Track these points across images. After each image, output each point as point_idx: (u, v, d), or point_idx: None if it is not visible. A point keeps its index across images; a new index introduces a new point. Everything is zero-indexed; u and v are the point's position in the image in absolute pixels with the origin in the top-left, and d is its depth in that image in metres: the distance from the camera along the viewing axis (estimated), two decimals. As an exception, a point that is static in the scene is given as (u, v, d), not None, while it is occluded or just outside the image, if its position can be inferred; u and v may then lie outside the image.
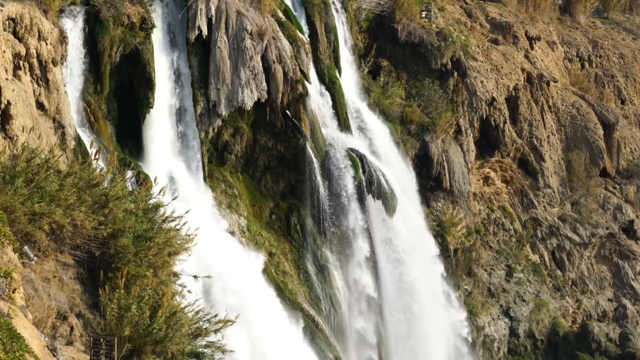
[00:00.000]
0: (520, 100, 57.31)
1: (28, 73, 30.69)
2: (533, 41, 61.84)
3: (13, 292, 17.39)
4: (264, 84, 39.70)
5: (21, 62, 30.32)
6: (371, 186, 43.23)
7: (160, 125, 37.70)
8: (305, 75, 41.75)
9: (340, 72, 46.24)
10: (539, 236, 56.99)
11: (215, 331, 21.75)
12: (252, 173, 41.70)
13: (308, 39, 43.98)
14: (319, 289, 41.45)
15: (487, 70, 55.51)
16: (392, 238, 44.55)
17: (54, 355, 17.74)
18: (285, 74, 40.42)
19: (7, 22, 29.86)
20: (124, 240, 21.78)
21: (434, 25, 52.80)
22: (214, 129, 39.40)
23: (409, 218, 45.88)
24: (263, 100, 39.95)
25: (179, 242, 23.63)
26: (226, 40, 39.17)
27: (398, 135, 48.25)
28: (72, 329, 20.12)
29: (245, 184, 41.39)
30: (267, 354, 34.04)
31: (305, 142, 41.24)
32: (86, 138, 33.51)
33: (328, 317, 41.26)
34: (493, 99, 54.57)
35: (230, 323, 21.84)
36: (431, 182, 49.48)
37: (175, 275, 23.83)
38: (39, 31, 30.99)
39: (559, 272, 56.71)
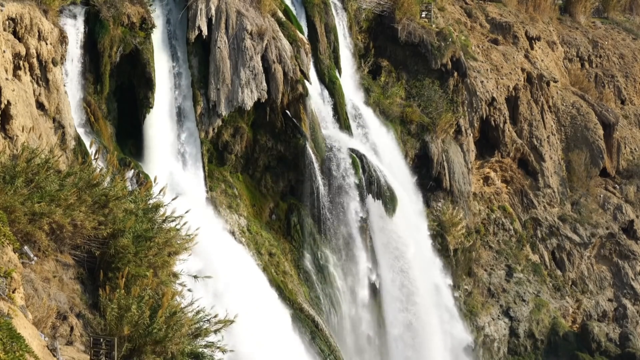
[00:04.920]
0: (520, 100, 57.31)
1: (28, 73, 30.69)
2: (533, 41, 61.85)
3: (13, 292, 17.38)
4: (264, 84, 39.70)
5: (21, 62, 30.32)
6: (371, 186, 43.24)
7: (160, 125, 37.70)
8: (305, 75, 41.75)
9: (340, 72, 46.25)
10: (539, 236, 56.99)
11: (215, 331, 21.76)
12: (252, 173, 41.71)
13: (308, 39, 43.99)
14: (319, 289, 41.46)
15: (487, 70, 55.51)
16: (392, 238, 44.55)
17: (54, 355, 17.74)
18: (285, 74, 40.42)
19: (7, 22, 29.86)
20: (124, 240, 21.77)
21: (434, 25, 52.81)
22: (214, 129, 39.41)
23: (409, 218, 45.88)
24: (263, 100, 39.95)
25: (179, 242, 23.62)
26: (226, 40, 39.18)
27: (398, 135, 48.25)
28: (72, 329, 20.11)
29: (245, 184, 41.39)
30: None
31: (305, 142, 41.25)
32: (86, 138, 33.50)
33: (328, 317, 41.26)
34: (493, 99, 54.57)
35: (229, 323, 21.85)
36: (431, 182, 49.48)
37: (175, 275, 23.83)
38: (39, 31, 30.99)
39: (559, 272, 56.70)
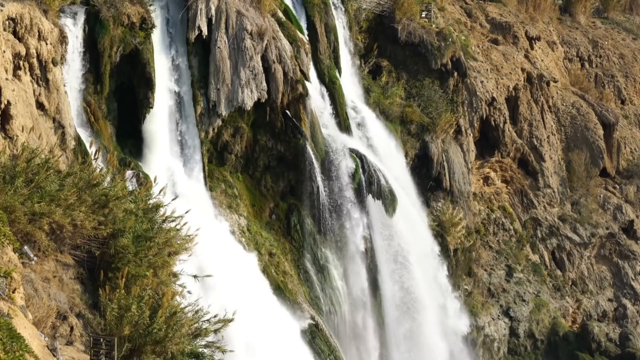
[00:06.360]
0: (520, 100, 57.31)
1: (28, 73, 30.69)
2: (533, 41, 61.86)
3: (13, 292, 17.39)
4: (264, 84, 39.70)
5: (21, 62, 30.32)
6: (371, 186, 43.23)
7: (160, 125, 37.70)
8: (305, 75, 41.75)
9: (340, 72, 46.24)
10: (539, 236, 56.99)
11: (215, 331, 21.76)
12: (252, 173, 41.70)
13: (308, 39, 43.98)
14: (319, 289, 41.45)
15: (487, 70, 55.51)
16: (392, 238, 44.55)
17: (54, 355, 17.74)
18: (285, 74, 40.42)
19: (7, 22, 29.86)
20: (124, 240, 21.76)
21: (434, 25, 52.81)
22: (214, 129, 39.41)
23: (409, 218, 45.89)
24: (263, 100, 39.95)
25: (179, 242, 23.62)
26: (226, 40, 39.18)
27: (398, 135, 48.25)
28: (72, 329, 20.11)
29: (245, 184, 41.39)
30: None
31: (305, 142, 41.24)
32: (86, 138, 33.51)
33: (328, 317, 41.27)
34: (493, 99, 54.58)
35: (229, 322, 21.85)
36: (431, 182, 49.47)
37: (175, 275, 23.83)
38: (39, 31, 30.99)
39: (559, 272, 56.71)
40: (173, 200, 25.74)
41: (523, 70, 57.92)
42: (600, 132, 60.90)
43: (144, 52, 36.47)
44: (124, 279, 20.62)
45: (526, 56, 59.91)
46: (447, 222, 49.16)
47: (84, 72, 35.08)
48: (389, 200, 43.79)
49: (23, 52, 30.22)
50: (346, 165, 42.57)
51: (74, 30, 34.56)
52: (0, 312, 16.15)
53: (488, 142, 55.69)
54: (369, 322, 43.61)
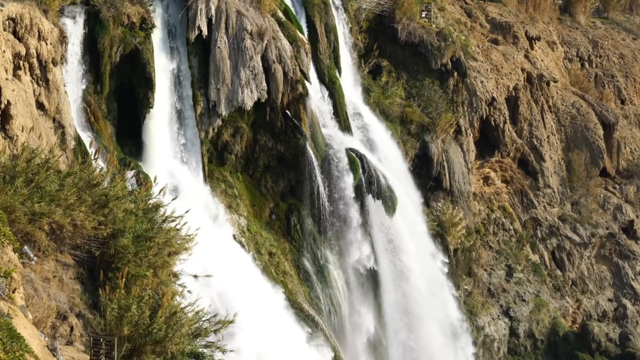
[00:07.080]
0: (520, 100, 57.32)
1: (28, 73, 30.69)
2: (533, 41, 61.86)
3: (13, 292, 17.39)
4: (264, 84, 39.70)
5: (21, 62, 30.32)
6: (371, 186, 43.23)
7: (160, 125, 37.70)
8: (305, 75, 41.75)
9: (340, 72, 46.24)
10: (539, 236, 56.99)
11: (215, 331, 21.76)
12: (252, 173, 41.70)
13: (308, 39, 43.99)
14: (319, 289, 41.45)
15: (487, 70, 55.51)
16: (392, 238, 44.56)
17: (54, 355, 17.74)
18: (285, 74, 40.42)
19: (7, 22, 29.86)
20: (124, 240, 21.75)
21: (434, 25, 52.81)
22: (214, 129, 39.41)
23: (409, 218, 45.89)
24: (263, 100, 39.95)
25: (179, 242, 23.61)
26: (226, 40, 39.18)
27: (398, 135, 48.25)
28: (72, 329, 20.11)
29: (245, 184, 41.39)
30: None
31: (305, 142, 41.24)
32: (86, 138, 33.50)
33: (328, 317, 41.27)
34: (493, 99, 54.58)
35: (229, 323, 21.85)
36: (431, 182, 49.47)
37: (175, 275, 23.83)
38: (39, 31, 30.99)
39: (559, 272, 56.72)
40: (173, 200, 25.74)
41: (523, 70, 57.92)
42: (600, 132, 60.91)
43: (144, 52, 36.47)
44: (124, 279, 20.62)
45: (526, 56, 59.91)
46: (447, 222, 49.17)
47: (84, 72, 35.09)
48: (389, 200, 43.79)
49: (23, 52, 30.22)
50: (346, 165, 42.57)
51: (74, 30, 34.56)
52: (0, 312, 16.15)
53: (488, 142, 55.70)
54: (368, 321, 43.59)
